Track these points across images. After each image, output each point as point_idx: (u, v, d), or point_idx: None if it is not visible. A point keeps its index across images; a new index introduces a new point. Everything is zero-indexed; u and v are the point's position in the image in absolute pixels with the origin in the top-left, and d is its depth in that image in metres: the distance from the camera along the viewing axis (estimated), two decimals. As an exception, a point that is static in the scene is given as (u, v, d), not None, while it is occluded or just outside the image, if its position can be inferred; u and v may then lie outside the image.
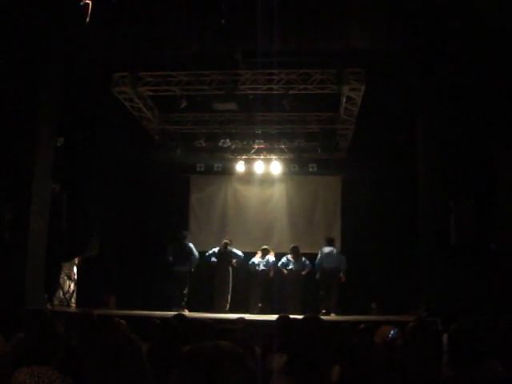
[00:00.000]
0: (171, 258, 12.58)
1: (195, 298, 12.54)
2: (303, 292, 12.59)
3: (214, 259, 12.84)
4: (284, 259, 12.87)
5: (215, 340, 1.63)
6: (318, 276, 12.35)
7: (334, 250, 12.42)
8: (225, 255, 12.76)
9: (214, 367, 1.49)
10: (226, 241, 12.97)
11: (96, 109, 11.71)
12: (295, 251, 12.76)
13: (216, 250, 12.91)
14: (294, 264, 12.72)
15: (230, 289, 12.71)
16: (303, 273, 12.65)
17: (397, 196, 12.55)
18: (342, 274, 12.17)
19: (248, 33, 9.43)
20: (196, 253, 12.74)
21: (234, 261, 12.91)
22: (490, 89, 8.89)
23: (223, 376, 1.48)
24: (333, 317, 11.07)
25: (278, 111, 12.52)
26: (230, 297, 12.62)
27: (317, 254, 12.48)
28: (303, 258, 12.78)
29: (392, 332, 4.93)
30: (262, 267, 13.03)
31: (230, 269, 12.77)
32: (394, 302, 11.34)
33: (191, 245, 12.79)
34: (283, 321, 5.28)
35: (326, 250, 12.36)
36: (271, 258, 13.15)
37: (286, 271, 12.75)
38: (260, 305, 12.73)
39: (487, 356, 3.14)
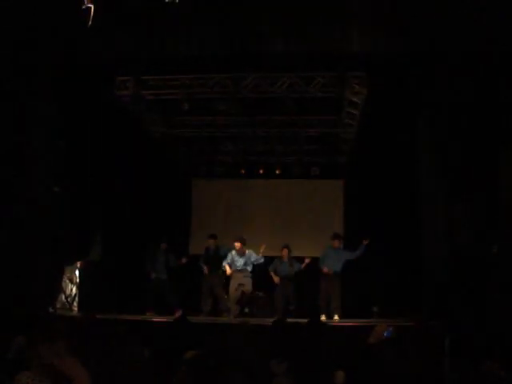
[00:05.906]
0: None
1: (198, 301, 12.42)
2: (300, 295, 12.05)
3: (205, 264, 11.99)
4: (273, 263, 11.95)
5: (218, 344, 1.64)
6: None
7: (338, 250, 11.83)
8: (216, 258, 11.97)
9: (214, 372, 1.50)
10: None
11: (97, 111, 11.71)
12: (285, 251, 11.87)
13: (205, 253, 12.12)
14: (283, 266, 11.84)
15: (225, 292, 11.92)
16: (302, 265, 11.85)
17: (399, 200, 12.52)
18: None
19: (251, 35, 9.43)
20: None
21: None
22: (491, 90, 8.89)
23: (224, 381, 1.48)
24: (334, 320, 11.02)
25: (280, 114, 12.52)
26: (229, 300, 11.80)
27: (318, 258, 12.36)
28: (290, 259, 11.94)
29: (387, 331, 4.92)
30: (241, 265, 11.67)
31: (221, 272, 11.89)
32: (395, 306, 11.30)
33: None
34: (280, 325, 5.27)
35: (331, 250, 11.79)
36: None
37: (276, 277, 11.80)
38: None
39: (488, 358, 3.14)
